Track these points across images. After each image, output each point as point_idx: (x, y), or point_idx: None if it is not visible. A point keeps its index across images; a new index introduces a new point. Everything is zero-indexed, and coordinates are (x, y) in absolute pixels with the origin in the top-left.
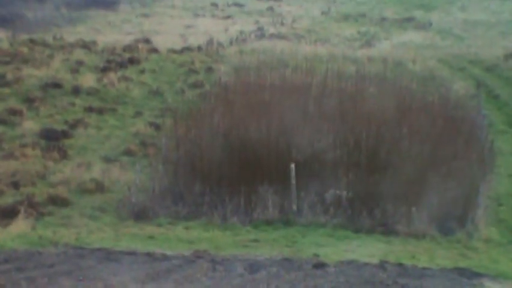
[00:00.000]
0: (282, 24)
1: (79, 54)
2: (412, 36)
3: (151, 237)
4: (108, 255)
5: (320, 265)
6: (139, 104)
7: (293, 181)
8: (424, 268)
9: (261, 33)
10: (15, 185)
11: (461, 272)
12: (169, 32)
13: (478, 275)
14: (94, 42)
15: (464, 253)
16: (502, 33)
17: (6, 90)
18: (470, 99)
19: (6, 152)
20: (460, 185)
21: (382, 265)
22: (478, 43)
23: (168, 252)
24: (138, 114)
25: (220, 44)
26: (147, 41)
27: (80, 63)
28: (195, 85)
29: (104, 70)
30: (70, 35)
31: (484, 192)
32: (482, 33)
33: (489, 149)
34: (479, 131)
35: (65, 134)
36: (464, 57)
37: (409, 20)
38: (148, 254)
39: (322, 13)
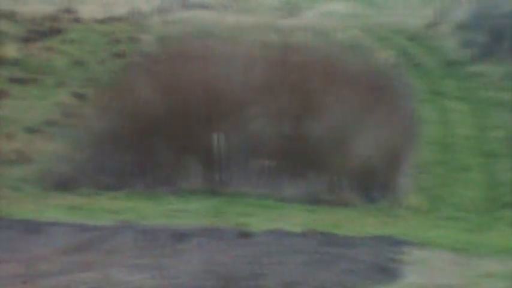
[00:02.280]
0: None
1: (1, 24)
2: (336, 5)
3: (74, 208)
4: (32, 226)
5: (244, 234)
6: (63, 75)
7: (217, 151)
8: (347, 237)
9: (184, 3)
10: None
11: (384, 239)
12: (92, 1)
13: (401, 242)
14: (15, 12)
15: (388, 221)
16: (423, 2)
17: None
18: (393, 68)
19: None
20: (384, 153)
21: (306, 234)
22: (400, 12)
23: (92, 223)
24: (61, 84)
25: (143, 14)
26: (69, 10)
27: (1, 33)
28: (119, 55)
29: (26, 40)
30: None
31: (406, 160)
32: (404, 2)
33: (412, 118)
34: (403, 99)
35: None
36: (387, 26)
37: None
38: (72, 225)
39: None
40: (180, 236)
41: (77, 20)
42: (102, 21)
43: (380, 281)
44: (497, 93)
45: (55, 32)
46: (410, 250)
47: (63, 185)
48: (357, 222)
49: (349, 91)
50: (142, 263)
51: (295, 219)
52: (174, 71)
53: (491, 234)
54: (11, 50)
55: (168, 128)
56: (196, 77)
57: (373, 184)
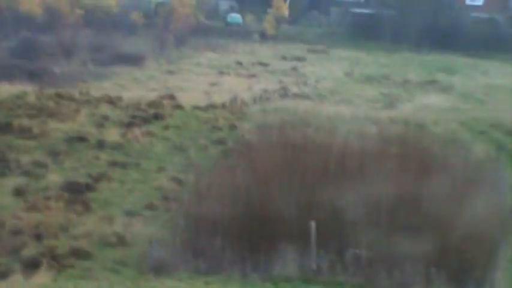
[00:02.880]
0: (305, 84)
1: (104, 109)
2: (435, 99)
3: None
4: None
5: None
6: (163, 159)
7: (313, 239)
8: None
9: (284, 93)
10: (38, 237)
11: None
12: (194, 89)
13: None
14: (119, 98)
15: None
16: None
17: (32, 143)
18: (490, 162)
19: (30, 204)
20: (479, 246)
21: None
22: (499, 107)
23: None
24: (161, 169)
25: (244, 102)
26: (171, 97)
27: (105, 117)
28: (218, 142)
29: (129, 125)
30: (96, 90)
31: (502, 255)
32: (503, 97)
33: (508, 212)
34: (500, 193)
35: (88, 187)
36: (486, 120)
37: (432, 83)
38: None
39: (345, 74)
40: None
41: (178, 107)
42: (203, 109)
43: None
44: None
45: (156, 117)
46: None
47: (161, 268)
48: None
49: (445, 184)
50: None
51: None
52: (272, 159)
53: None
54: (114, 135)
55: (264, 214)
56: (293, 165)
57: (469, 277)
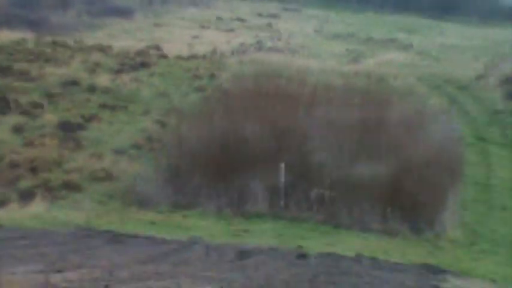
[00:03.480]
0: (279, 39)
1: (96, 56)
2: (395, 55)
3: (152, 223)
4: (114, 237)
5: (302, 256)
6: (148, 104)
7: (282, 179)
8: (395, 263)
9: (259, 46)
10: (34, 171)
11: (428, 268)
12: (177, 40)
13: (443, 271)
14: (110, 47)
15: (432, 251)
16: (474, 57)
17: (30, 85)
18: (444, 114)
19: (27, 141)
20: (431, 190)
21: (357, 258)
22: (452, 64)
23: (167, 237)
24: (146, 112)
25: (222, 54)
26: (157, 47)
27: (96, 64)
28: (199, 89)
29: (118, 72)
30: (89, 39)
31: (451, 198)
32: (457, 56)
33: (458, 159)
34: (451, 142)
35: (80, 127)
36: (440, 76)
37: (393, 41)
38: (150, 238)
39: (315, 31)
40: (244, 254)
41: (163, 56)
42: (185, 59)
43: None
44: None
45: (143, 65)
46: (450, 278)
47: (143, 202)
48: (404, 251)
49: (402, 132)
50: (209, 275)
51: (348, 245)
52: (247, 105)
53: None
54: (104, 80)
55: (238, 156)
56: (265, 112)
57: (421, 217)
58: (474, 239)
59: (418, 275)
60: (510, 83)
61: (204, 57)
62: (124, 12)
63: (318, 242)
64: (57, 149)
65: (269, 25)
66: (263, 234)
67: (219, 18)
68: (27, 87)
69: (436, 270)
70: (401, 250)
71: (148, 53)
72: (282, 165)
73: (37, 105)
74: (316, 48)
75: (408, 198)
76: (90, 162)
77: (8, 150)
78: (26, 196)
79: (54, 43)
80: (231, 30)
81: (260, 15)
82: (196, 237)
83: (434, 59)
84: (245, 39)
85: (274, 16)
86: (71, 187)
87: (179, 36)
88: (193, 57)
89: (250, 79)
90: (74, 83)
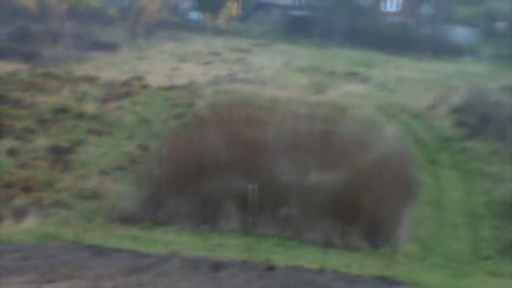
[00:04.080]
0: (250, 71)
1: (84, 86)
2: (355, 87)
3: (135, 238)
4: (100, 251)
5: (271, 268)
6: (131, 129)
7: (252, 199)
8: (355, 275)
9: (232, 78)
10: (27, 190)
11: (385, 279)
12: (158, 72)
13: (398, 283)
14: (97, 78)
15: (389, 265)
16: (426, 89)
17: (24, 112)
18: (398, 140)
19: (21, 163)
20: (388, 208)
21: (321, 271)
22: (407, 95)
23: (148, 251)
24: (130, 137)
25: (199, 85)
26: (140, 78)
27: (84, 94)
28: (178, 116)
29: (104, 100)
30: (77, 71)
31: (406, 215)
32: (411, 87)
33: (412, 181)
34: (406, 165)
35: (69, 150)
36: (396, 106)
37: (353, 74)
38: (132, 252)
39: (283, 65)
40: (218, 266)
41: (145, 87)
42: (166, 89)
43: None
44: (483, 166)
45: (127, 95)
46: None
47: (127, 218)
48: (363, 264)
49: (361, 157)
50: (185, 286)
51: (312, 258)
52: (221, 131)
53: (471, 280)
54: (91, 108)
55: (213, 177)
56: (238, 137)
57: (378, 233)
58: (427, 254)
59: (376, 286)
60: (458, 112)
61: (182, 87)
62: (109, 46)
63: (284, 256)
64: (48, 170)
65: (241, 59)
66: (235, 249)
67: (196, 53)
68: (21, 114)
69: (392, 282)
70: (360, 263)
71: (131, 84)
72: (252, 186)
73: (30, 131)
74: (284, 80)
75: (367, 216)
76: (78, 183)
77: (3, 172)
78: (20, 213)
79: (46, 74)
80: (207, 63)
81: (233, 49)
82: (175, 251)
83: (390, 91)
84: (220, 71)
85: (246, 51)
86: (60, 205)
87: (160, 69)
88: (172, 87)
89: (224, 107)
90: (64, 110)
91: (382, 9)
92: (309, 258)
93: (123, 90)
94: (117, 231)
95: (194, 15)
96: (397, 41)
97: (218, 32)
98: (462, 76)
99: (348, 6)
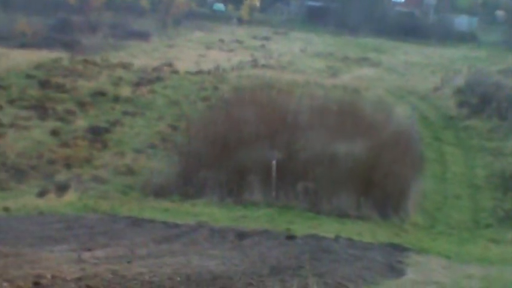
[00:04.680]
0: (270, 57)
1: (119, 72)
2: (367, 71)
3: (166, 210)
4: (134, 222)
5: (290, 237)
6: (162, 111)
7: (273, 174)
8: (367, 243)
9: (254, 63)
10: (68, 166)
11: (394, 246)
12: (187, 59)
13: (406, 249)
14: (131, 64)
15: (398, 233)
16: (432, 72)
17: (65, 96)
18: (406, 119)
19: (62, 142)
20: (397, 182)
21: (336, 239)
22: (414, 79)
23: (179, 222)
24: (160, 118)
25: (224, 70)
26: (170, 64)
27: (119, 78)
28: (204, 99)
29: (137, 84)
30: (113, 58)
31: (413, 188)
32: (418, 71)
33: (419, 157)
34: (413, 142)
35: (106, 130)
36: (404, 88)
37: (365, 59)
38: (164, 222)
39: (300, 51)
40: (242, 235)
41: (174, 72)
42: (193, 74)
43: (389, 277)
44: (483, 142)
45: (158, 79)
46: (412, 255)
47: (159, 192)
48: (374, 233)
49: (372, 135)
50: (213, 253)
51: (328, 228)
52: (244, 112)
53: (474, 246)
54: (126, 91)
55: (238, 154)
56: (260, 118)
57: (388, 205)
58: (432, 223)
59: (386, 252)
60: (462, 93)
61: (208, 72)
62: (142, 35)
63: (303, 226)
64: (87, 148)
65: (262, 46)
66: (258, 219)
67: (221, 41)
68: (62, 97)
69: (401, 249)
70: (372, 232)
71: (162, 69)
72: (274, 162)
73: (70, 113)
74: (301, 65)
75: (378, 189)
76: (115, 160)
77: (47, 150)
78: (62, 187)
79: (85, 61)
80: (231, 50)
81: (255, 37)
82: (203, 221)
83: (399, 74)
84: (242, 57)
85: (266, 38)
86: (98, 180)
87: (188, 55)
88: (199, 72)
89: (247, 91)
90: (101, 94)
91: (391, 0)
92: (325, 227)
93: (154, 75)
94: (150, 204)
95: (219, 6)
96: (405, 29)
97: (241, 21)
98: (464, 60)
99: None
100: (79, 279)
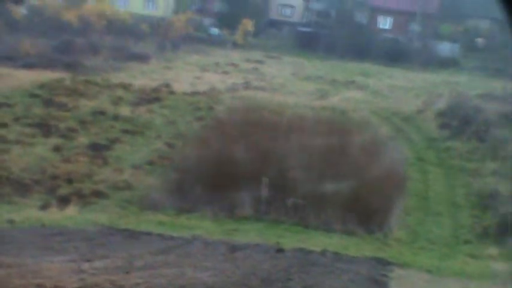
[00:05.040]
0: (263, 80)
1: (119, 92)
2: (354, 94)
3: (162, 223)
4: (132, 234)
5: (280, 250)
6: (160, 130)
7: (264, 190)
8: (353, 256)
9: (247, 85)
10: (70, 181)
11: (378, 260)
12: (183, 80)
13: (390, 263)
14: (130, 84)
15: (382, 248)
16: (415, 95)
17: (67, 114)
18: (391, 140)
19: (64, 158)
20: (381, 199)
21: (323, 253)
22: (398, 101)
23: (174, 235)
24: (158, 136)
25: (218, 91)
26: (167, 85)
27: (119, 98)
28: (200, 118)
29: (136, 104)
30: (114, 78)
31: (397, 205)
32: (402, 94)
33: (402, 175)
34: (397, 162)
35: (106, 148)
36: (389, 110)
37: (352, 82)
38: (160, 235)
39: (291, 74)
40: (234, 248)
41: (172, 93)
42: (189, 94)
43: None
44: (463, 163)
45: (156, 99)
46: (395, 269)
47: (155, 206)
48: (359, 247)
49: (359, 154)
50: (206, 265)
51: (316, 242)
52: (237, 131)
53: (453, 261)
54: (125, 110)
55: (230, 171)
56: (252, 137)
57: (372, 221)
58: (414, 238)
59: (370, 266)
60: (443, 116)
61: (204, 93)
62: (142, 58)
63: (292, 240)
64: (88, 164)
65: (255, 69)
66: (249, 233)
67: (216, 63)
68: (64, 115)
69: (384, 263)
70: (357, 246)
71: (160, 90)
72: (264, 179)
73: (72, 130)
74: (292, 87)
75: (363, 206)
76: (114, 175)
77: (50, 165)
78: (63, 201)
79: (86, 81)
80: (226, 72)
81: (248, 61)
82: (197, 235)
83: (384, 97)
84: (236, 79)
85: (259, 62)
86: (98, 195)
87: (185, 77)
88: (195, 93)
89: (240, 111)
90: (102, 112)
91: (376, 26)
92: (313, 241)
93: (152, 96)
94: (147, 217)
95: (215, 30)
96: (390, 54)
97: (235, 45)
98: (446, 85)
99: (348, 24)
100: None
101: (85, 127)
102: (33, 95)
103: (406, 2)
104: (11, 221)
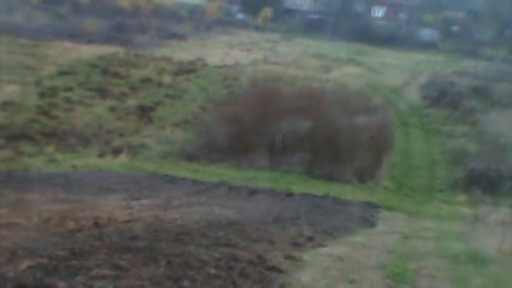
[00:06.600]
0: (278, 56)
1: (162, 64)
2: (352, 69)
3: (196, 171)
4: (170, 179)
5: (290, 194)
6: (195, 95)
7: (278, 146)
8: (349, 200)
9: (266, 61)
10: (121, 135)
11: (369, 204)
12: (214, 55)
13: (378, 206)
14: (171, 58)
15: (372, 194)
16: (402, 71)
17: (121, 81)
18: (381, 107)
19: (117, 116)
20: (373, 155)
21: (325, 197)
22: (388, 76)
23: (205, 180)
24: (193, 100)
25: (242, 65)
26: (201, 59)
27: (163, 69)
28: (227, 86)
29: (176, 74)
30: (158, 53)
31: (385, 160)
32: (391, 70)
33: (390, 136)
34: (386, 125)
35: (151, 109)
36: (380, 83)
37: (351, 60)
38: (193, 180)
39: (302, 52)
40: (253, 192)
41: (205, 65)
42: (219, 67)
43: (364, 227)
44: (440, 126)
45: (192, 70)
46: (382, 211)
47: (190, 157)
48: (354, 193)
49: (356, 118)
50: (230, 204)
51: (319, 188)
52: (257, 98)
53: (430, 206)
54: (167, 79)
55: (251, 128)
56: (269, 102)
57: (366, 172)
58: (399, 187)
59: (362, 208)
60: (424, 88)
61: (231, 66)
62: (181, 37)
63: (300, 186)
64: (137, 122)
65: (272, 48)
66: (265, 180)
67: (241, 43)
68: (118, 82)
69: (374, 206)
70: (352, 192)
71: (195, 63)
72: (278, 137)
73: (124, 94)
74: (302, 63)
75: (358, 160)
76: (157, 131)
77: (106, 122)
78: (116, 151)
79: (136, 55)
80: (248, 50)
81: (267, 41)
82: (223, 180)
83: (376, 72)
84: (257, 56)
85: (276, 42)
86: (144, 146)
87: (215, 53)
88: (224, 66)
89: (260, 82)
90: (148, 80)
91: (372, 15)
92: (317, 188)
93: (189, 67)
94: (183, 166)
95: (240, 16)
96: (382, 37)
97: (257, 28)
98: (427, 63)
99: (349, 12)
100: (128, 221)
101: (134, 92)
102: (93, 65)
103: None
104: (74, 166)
